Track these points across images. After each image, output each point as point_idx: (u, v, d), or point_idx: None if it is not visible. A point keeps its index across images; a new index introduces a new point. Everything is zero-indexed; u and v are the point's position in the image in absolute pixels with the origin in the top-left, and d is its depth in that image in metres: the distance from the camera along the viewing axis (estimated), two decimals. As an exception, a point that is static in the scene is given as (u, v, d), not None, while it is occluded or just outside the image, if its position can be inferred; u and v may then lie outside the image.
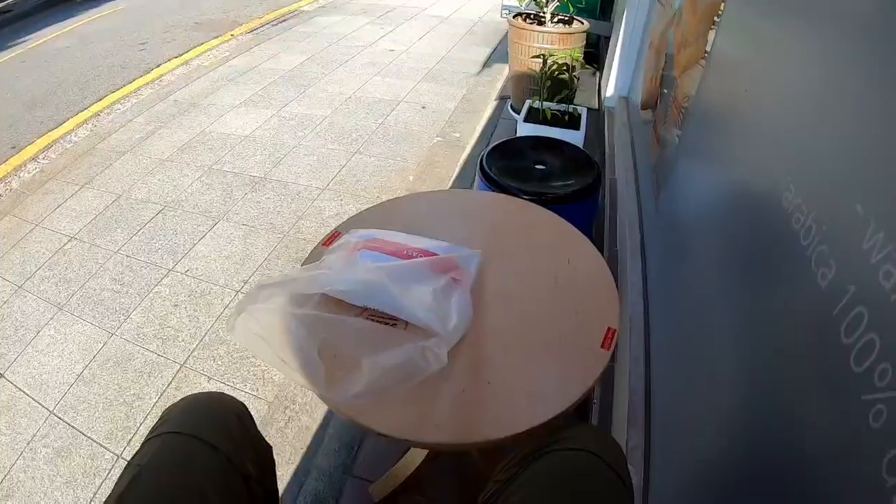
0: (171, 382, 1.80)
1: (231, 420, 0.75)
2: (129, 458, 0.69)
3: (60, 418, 1.70)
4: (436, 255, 0.93)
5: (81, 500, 1.51)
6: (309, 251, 1.05)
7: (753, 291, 0.74)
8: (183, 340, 1.95)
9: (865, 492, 0.43)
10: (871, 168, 0.51)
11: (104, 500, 0.65)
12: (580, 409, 1.54)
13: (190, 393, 0.82)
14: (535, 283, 0.97)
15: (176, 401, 0.78)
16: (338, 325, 0.85)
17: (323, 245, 1.03)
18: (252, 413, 1.66)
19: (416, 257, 0.92)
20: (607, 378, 1.35)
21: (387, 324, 0.86)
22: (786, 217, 0.65)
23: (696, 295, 0.99)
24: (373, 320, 0.86)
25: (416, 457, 1.32)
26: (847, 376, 0.47)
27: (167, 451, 0.68)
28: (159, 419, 0.75)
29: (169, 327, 2.00)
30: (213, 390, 0.87)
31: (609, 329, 0.87)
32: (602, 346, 0.84)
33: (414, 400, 0.77)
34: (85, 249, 2.40)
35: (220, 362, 1.86)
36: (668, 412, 1.04)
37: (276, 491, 0.82)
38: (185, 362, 1.86)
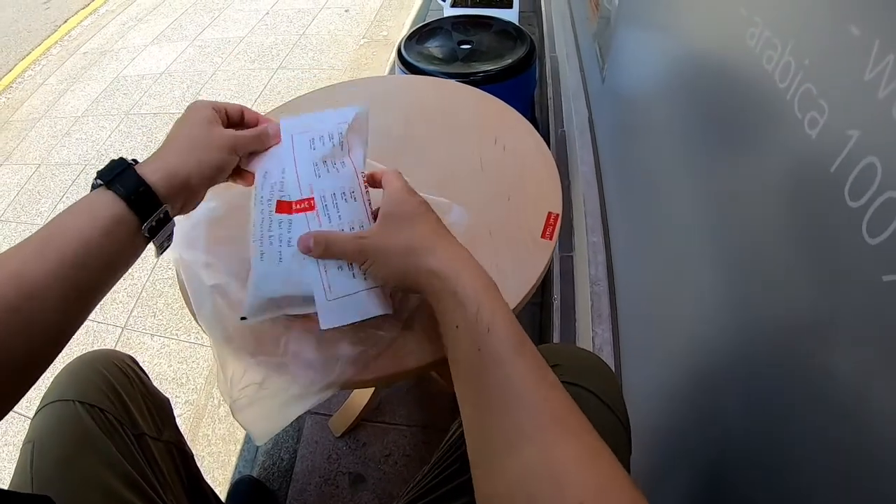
0: (115, 347, 1.68)
1: (118, 378, 0.74)
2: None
3: (21, 414, 1.58)
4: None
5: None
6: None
7: (723, 154, 0.62)
8: (121, 302, 1.83)
9: (889, 406, 0.33)
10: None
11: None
12: (539, 311, 1.49)
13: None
14: (457, 171, 0.82)
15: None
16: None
17: None
18: (199, 362, 1.58)
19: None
20: (566, 272, 1.26)
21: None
22: (754, 57, 0.52)
23: (654, 169, 0.87)
24: None
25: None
26: (859, 252, 0.36)
27: (55, 420, 0.67)
28: (48, 388, 0.72)
29: (105, 291, 1.88)
30: (103, 348, 0.81)
31: (550, 214, 0.74)
32: (543, 236, 0.72)
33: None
34: (11, 230, 2.22)
35: (160, 317, 1.75)
36: (634, 302, 0.95)
37: (181, 441, 0.81)
38: (125, 324, 1.75)
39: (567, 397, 0.43)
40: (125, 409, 0.71)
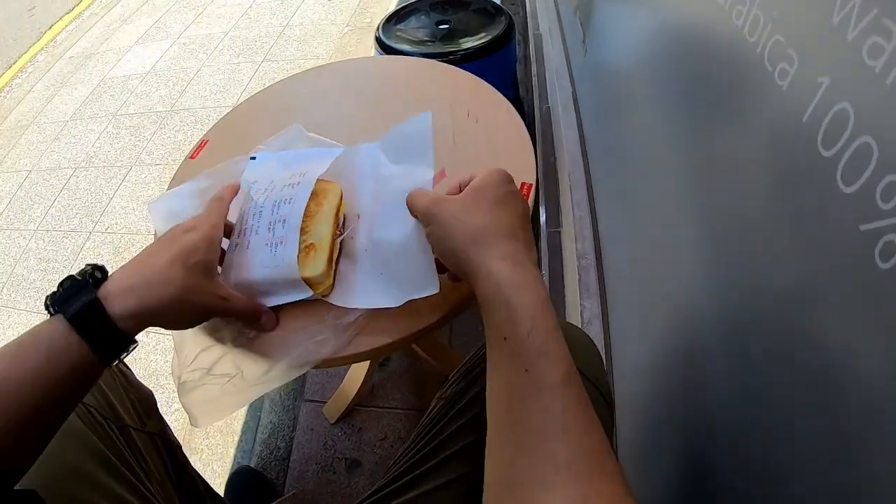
0: (108, 345, 1.67)
1: None
2: None
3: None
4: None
5: None
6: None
7: (700, 117, 0.61)
8: (114, 299, 1.81)
9: (874, 368, 0.32)
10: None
11: None
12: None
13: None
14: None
15: None
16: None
17: (190, 158, 0.86)
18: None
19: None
20: (554, 247, 1.25)
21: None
22: (724, 14, 0.51)
23: (636, 139, 0.86)
24: None
25: (359, 370, 1.23)
26: (834, 202, 0.34)
27: None
28: None
29: (98, 291, 1.88)
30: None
31: (524, 184, 0.73)
32: None
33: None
34: (5, 237, 2.21)
35: (153, 314, 1.73)
36: (622, 275, 0.94)
37: (165, 432, 0.81)
38: (118, 321, 1.74)
39: (603, 436, 0.40)
40: (108, 403, 0.70)
